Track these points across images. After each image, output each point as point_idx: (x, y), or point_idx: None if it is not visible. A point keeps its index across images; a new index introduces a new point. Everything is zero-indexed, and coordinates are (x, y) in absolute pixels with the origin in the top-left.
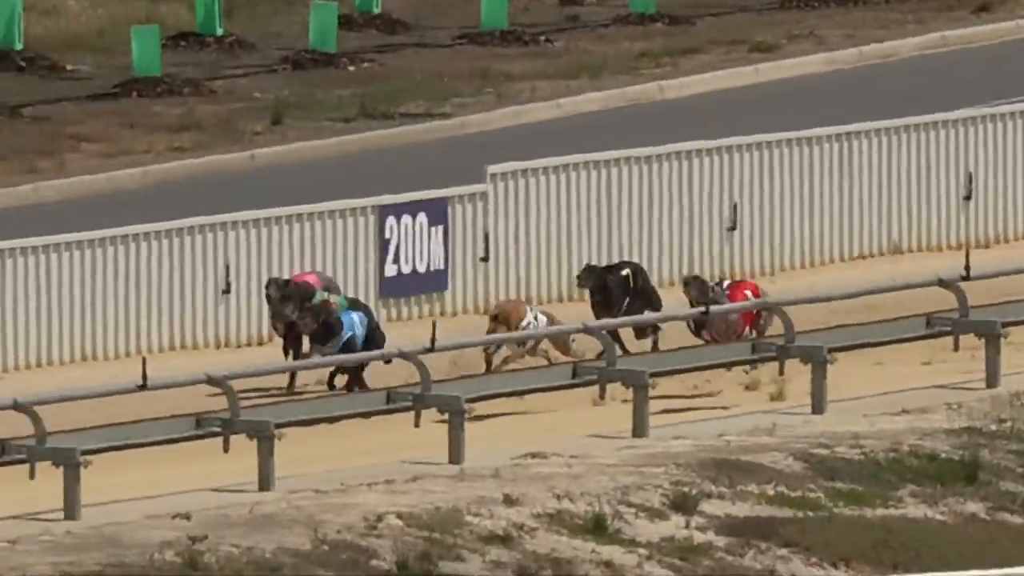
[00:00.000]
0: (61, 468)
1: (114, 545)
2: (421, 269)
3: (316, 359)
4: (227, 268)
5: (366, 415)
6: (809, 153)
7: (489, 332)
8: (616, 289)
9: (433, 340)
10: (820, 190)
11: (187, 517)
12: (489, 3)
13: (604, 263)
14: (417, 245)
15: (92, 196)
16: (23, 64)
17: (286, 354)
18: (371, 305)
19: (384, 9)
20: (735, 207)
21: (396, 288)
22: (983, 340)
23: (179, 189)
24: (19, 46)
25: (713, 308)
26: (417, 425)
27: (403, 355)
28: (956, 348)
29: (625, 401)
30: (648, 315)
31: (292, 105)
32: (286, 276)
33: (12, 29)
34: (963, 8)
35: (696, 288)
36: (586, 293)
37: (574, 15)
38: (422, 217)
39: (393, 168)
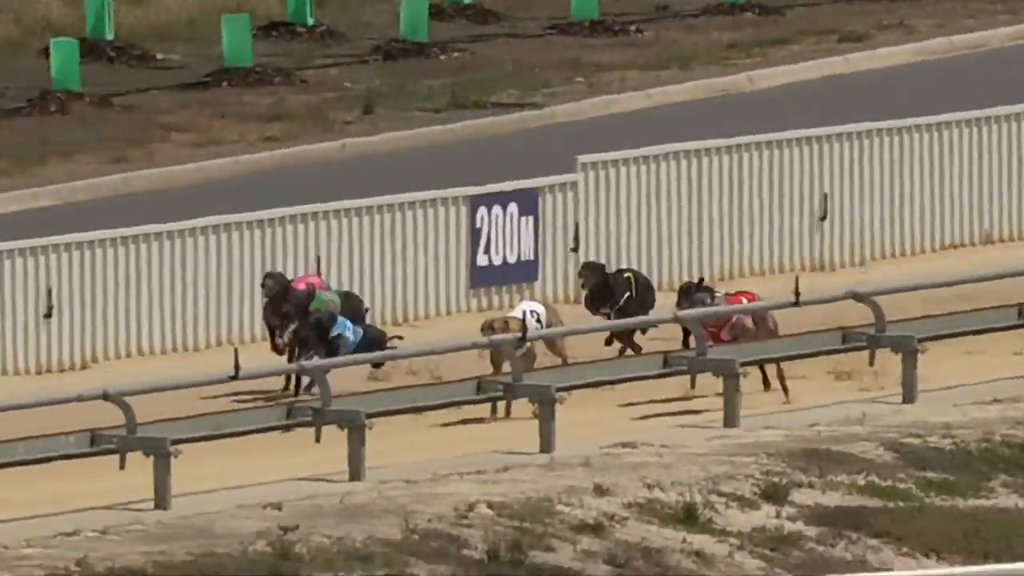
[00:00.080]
0: (151, 458)
1: (205, 535)
2: (511, 259)
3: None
4: (318, 259)
5: (457, 404)
6: (899, 143)
7: (485, 331)
8: (617, 288)
9: (524, 331)
10: (910, 180)
11: (278, 507)
12: None
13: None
14: (508, 235)
15: (182, 186)
16: (113, 54)
17: (274, 349)
18: (462, 295)
19: None
20: (825, 197)
21: (487, 278)
22: None
23: (269, 179)
24: (110, 36)
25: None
26: (508, 414)
27: (494, 345)
28: None
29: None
30: (742, 305)
31: (383, 95)
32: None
33: (103, 19)
34: None
35: (688, 297)
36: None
37: (664, 5)
38: (513, 207)
39: (484, 158)
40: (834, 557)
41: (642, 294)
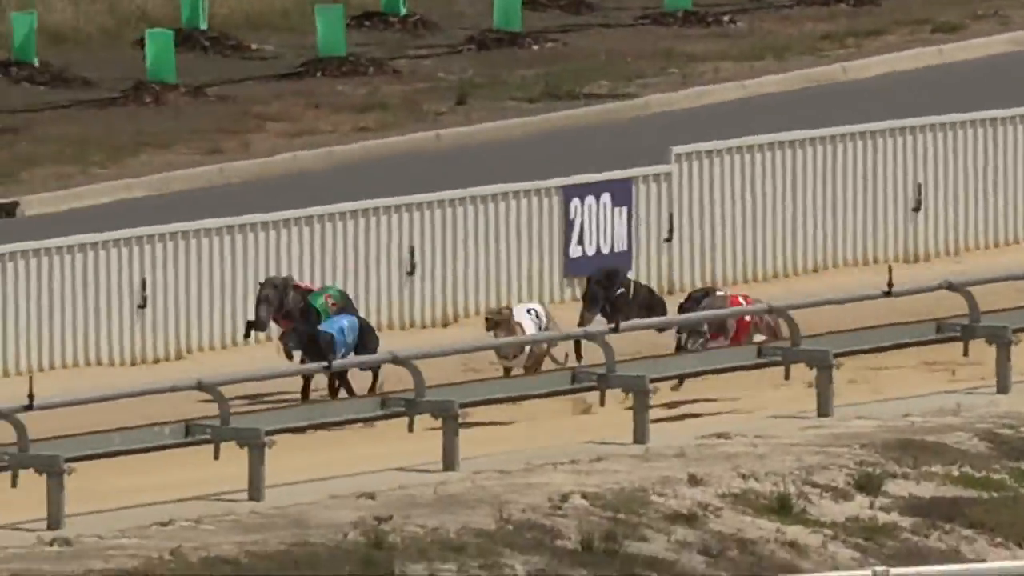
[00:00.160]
0: (246, 448)
1: (299, 525)
2: (605, 250)
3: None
4: (412, 249)
5: (550, 395)
6: (993, 133)
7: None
8: (601, 290)
9: (617, 322)
10: (1004, 170)
11: (372, 497)
12: None
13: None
14: (601, 226)
15: (276, 177)
16: (207, 44)
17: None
18: (556, 285)
19: None
20: (919, 187)
21: (581, 268)
22: None
23: (363, 170)
24: (204, 26)
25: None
26: (602, 404)
27: (588, 336)
28: None
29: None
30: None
31: (476, 85)
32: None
33: (197, 9)
34: None
35: (697, 304)
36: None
37: None
38: (606, 197)
39: (577, 148)
40: (928, 547)
41: (641, 301)
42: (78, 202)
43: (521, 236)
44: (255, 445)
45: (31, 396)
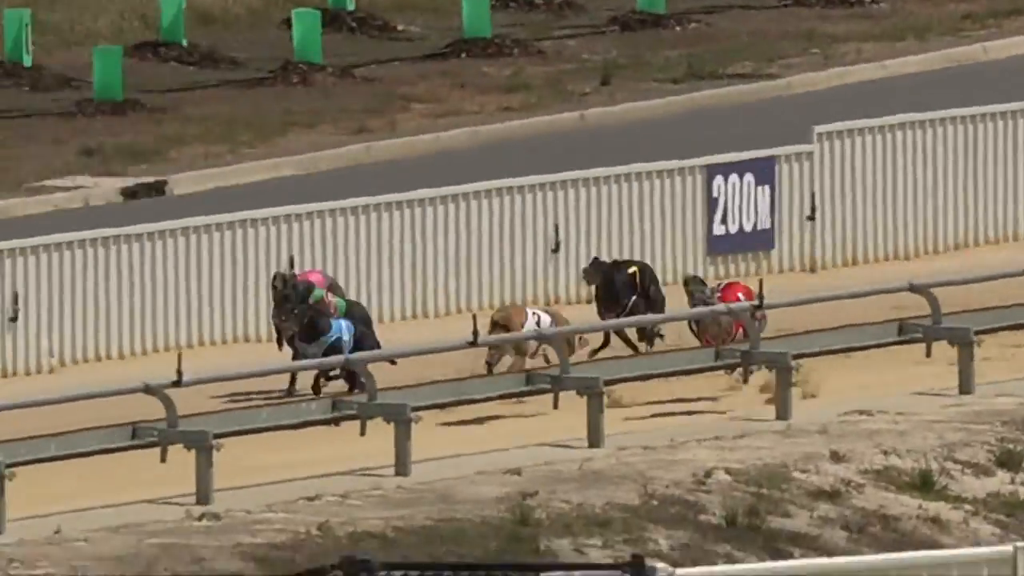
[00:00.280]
0: (392, 424)
1: (445, 500)
2: (748, 228)
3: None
4: (556, 227)
5: (692, 372)
6: None
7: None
8: (622, 287)
9: (761, 298)
10: None
11: (518, 473)
12: None
13: (612, 259)
14: (744, 204)
15: (422, 156)
16: (354, 25)
17: (280, 346)
18: (699, 263)
19: None
20: None
21: (724, 246)
22: None
23: (508, 149)
24: (351, 7)
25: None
26: (746, 381)
27: (730, 312)
28: None
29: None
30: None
31: (620, 66)
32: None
33: None
34: None
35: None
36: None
37: None
38: (749, 176)
39: (720, 128)
40: None
41: (648, 288)
42: (226, 181)
43: (664, 214)
44: (402, 421)
45: (179, 372)
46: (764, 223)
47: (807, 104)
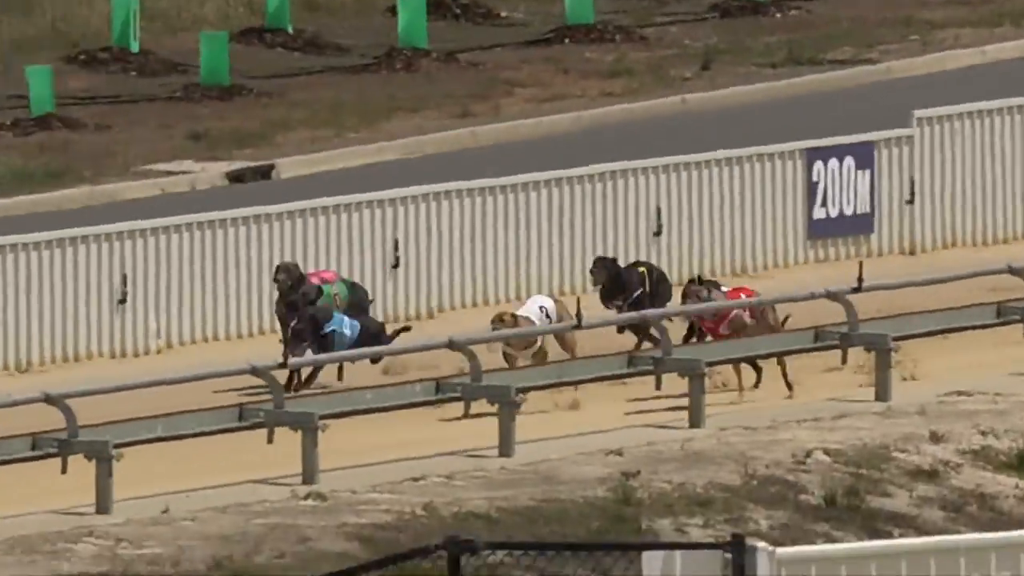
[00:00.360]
0: (496, 406)
1: (548, 481)
2: (848, 212)
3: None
4: (658, 210)
5: (792, 353)
6: None
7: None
8: (628, 280)
9: (860, 280)
10: None
11: (619, 453)
12: None
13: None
14: (844, 188)
15: (525, 140)
16: (459, 12)
17: (285, 344)
18: (799, 247)
19: None
20: None
21: (823, 230)
22: None
23: (610, 134)
24: None
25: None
26: (844, 362)
27: (830, 295)
28: None
29: None
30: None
31: (721, 51)
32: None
33: None
34: None
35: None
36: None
37: None
38: (849, 161)
39: (820, 113)
40: None
41: (656, 286)
42: (331, 165)
43: (765, 198)
44: (506, 403)
45: (285, 355)
46: (864, 207)
47: (906, 89)
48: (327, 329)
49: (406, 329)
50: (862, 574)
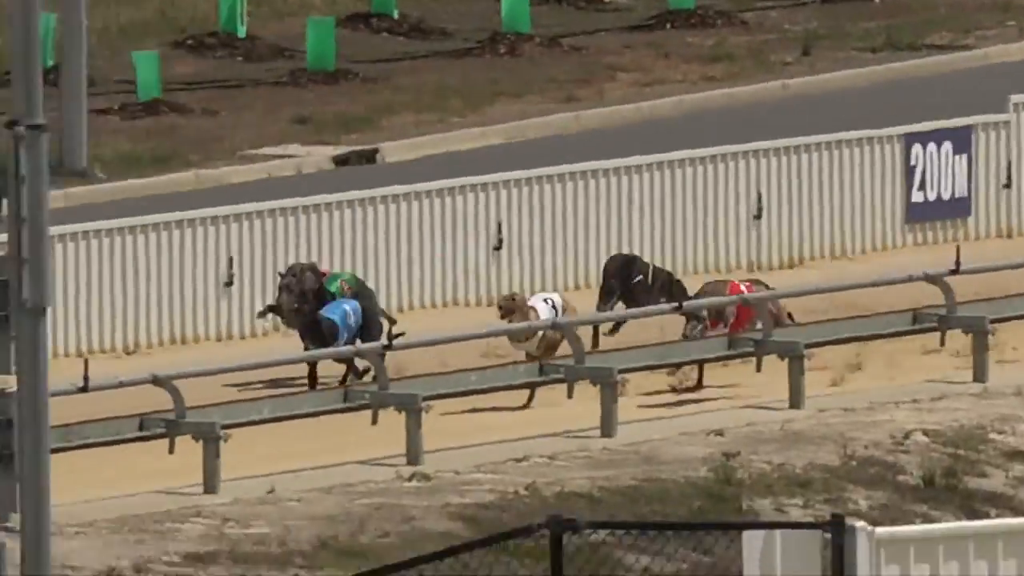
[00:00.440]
0: (598, 387)
1: (649, 461)
2: (945, 196)
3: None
4: (758, 194)
5: (890, 336)
6: None
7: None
8: (626, 278)
9: (958, 263)
10: None
11: (720, 434)
12: None
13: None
14: (942, 172)
15: (628, 124)
16: None
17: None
18: (897, 230)
19: None
20: None
21: (921, 214)
22: None
23: (711, 118)
24: None
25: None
26: (943, 344)
27: (928, 278)
28: None
29: None
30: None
31: (821, 36)
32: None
33: None
34: None
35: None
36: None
37: None
38: (947, 145)
39: (918, 97)
40: None
41: (661, 286)
42: (435, 149)
43: (864, 182)
44: (607, 384)
45: (391, 336)
46: (961, 191)
47: (1003, 74)
48: (325, 315)
49: (400, 334)
50: (960, 554)
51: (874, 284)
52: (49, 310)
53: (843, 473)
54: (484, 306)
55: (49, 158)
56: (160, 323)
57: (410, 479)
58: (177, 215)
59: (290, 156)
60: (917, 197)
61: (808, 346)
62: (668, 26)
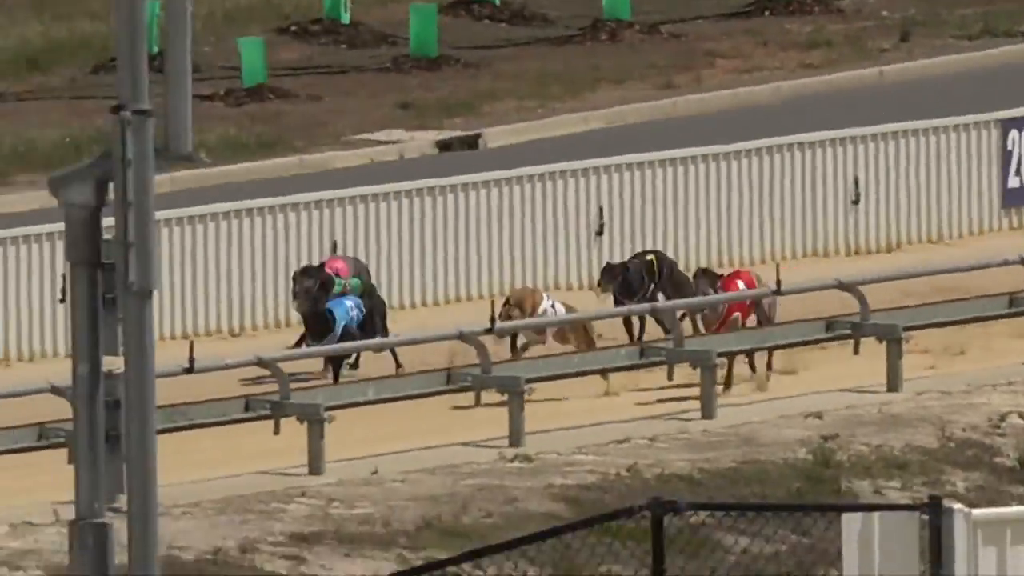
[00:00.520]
0: (698, 370)
1: (749, 443)
2: None
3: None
4: (856, 180)
5: (987, 319)
6: None
7: (502, 317)
8: (635, 278)
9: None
10: None
11: (819, 416)
12: None
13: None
14: None
15: (726, 110)
16: None
17: (307, 340)
18: (994, 215)
19: None
20: None
21: (1018, 198)
22: None
23: (809, 104)
24: None
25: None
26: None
27: (1011, 263)
28: None
29: None
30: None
31: (918, 23)
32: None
33: None
34: None
35: (704, 280)
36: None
37: None
38: None
39: (1015, 83)
40: None
41: (668, 276)
42: (536, 134)
43: (960, 167)
44: (707, 367)
45: (492, 320)
46: None
47: None
48: (340, 328)
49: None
50: None
51: (970, 268)
52: (155, 293)
53: (940, 455)
54: (586, 290)
55: (155, 143)
56: (265, 305)
57: (513, 460)
58: (281, 199)
59: (393, 142)
60: (1013, 182)
61: (906, 329)
62: (766, 13)
